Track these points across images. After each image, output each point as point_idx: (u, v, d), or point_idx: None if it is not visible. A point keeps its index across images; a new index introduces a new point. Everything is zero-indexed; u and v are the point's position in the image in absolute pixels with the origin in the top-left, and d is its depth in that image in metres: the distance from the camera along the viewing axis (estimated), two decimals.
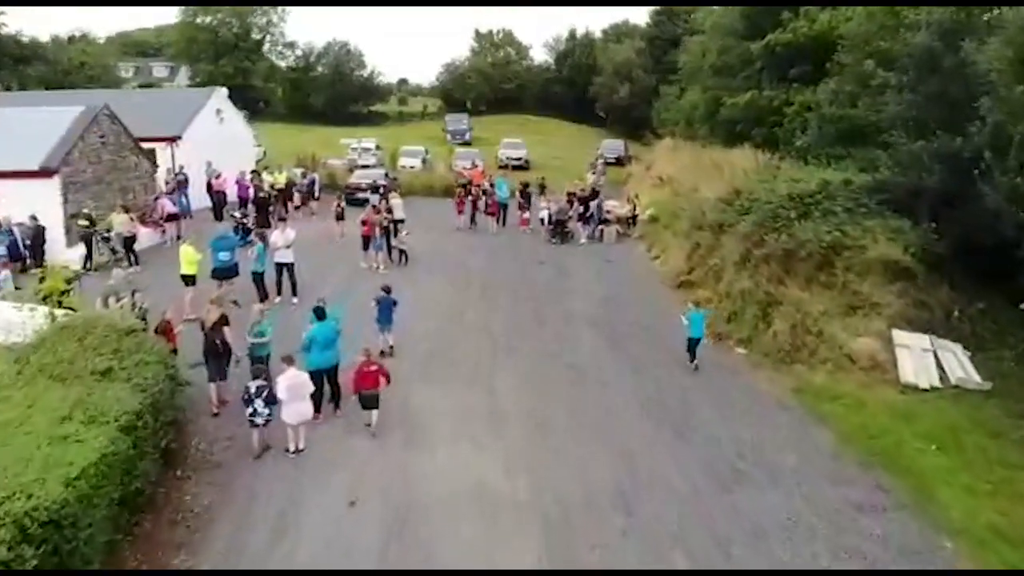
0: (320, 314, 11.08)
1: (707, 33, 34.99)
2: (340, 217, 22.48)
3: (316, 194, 27.72)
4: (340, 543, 8.21)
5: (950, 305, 14.21)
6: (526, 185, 27.15)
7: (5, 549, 5.94)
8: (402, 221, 21.56)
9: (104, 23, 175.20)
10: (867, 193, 15.83)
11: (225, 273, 15.58)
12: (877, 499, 9.31)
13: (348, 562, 7.92)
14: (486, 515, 8.81)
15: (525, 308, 16.77)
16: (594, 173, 33.83)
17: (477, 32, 79.77)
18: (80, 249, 18.43)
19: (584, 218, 24.37)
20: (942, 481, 9.84)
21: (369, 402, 10.71)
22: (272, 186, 25.71)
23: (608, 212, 25.12)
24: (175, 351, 11.24)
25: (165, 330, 11.32)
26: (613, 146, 47.12)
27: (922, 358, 12.86)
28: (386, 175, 31.01)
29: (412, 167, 37.76)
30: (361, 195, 27.29)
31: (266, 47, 75.04)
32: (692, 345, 13.50)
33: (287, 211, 25.48)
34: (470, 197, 25.90)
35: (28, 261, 17.36)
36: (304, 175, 28.75)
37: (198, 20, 70.51)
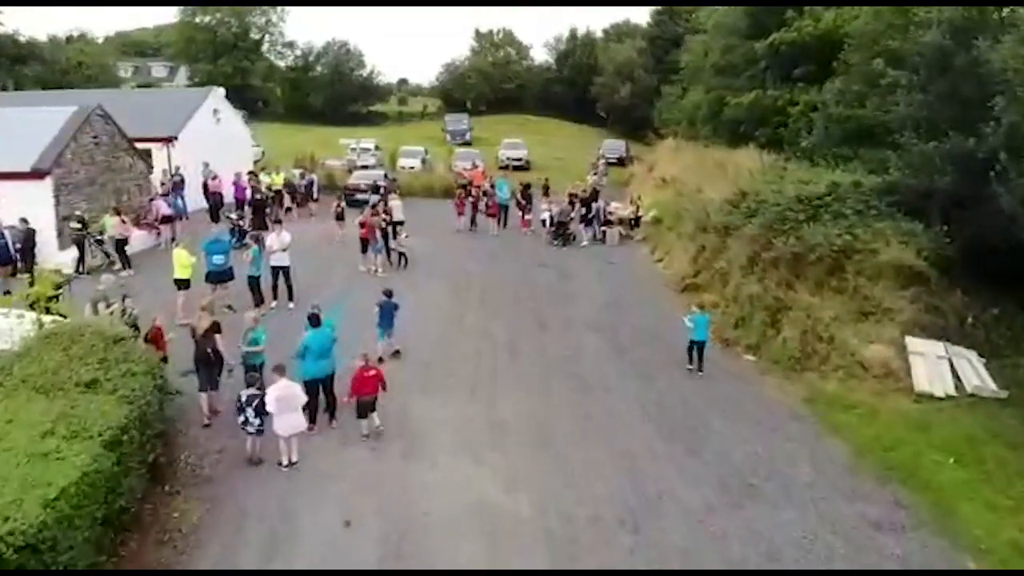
0: (315, 321, 10.70)
1: (710, 32, 34.66)
2: (340, 218, 22.13)
3: (315, 195, 27.37)
4: (334, 566, 7.82)
5: (963, 311, 13.81)
6: (527, 186, 26.79)
7: None
8: (401, 223, 21.19)
9: (103, 23, 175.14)
10: (877, 195, 15.46)
11: (219, 277, 15.23)
12: (896, 516, 8.92)
13: None
14: (488, 533, 8.43)
15: (526, 312, 16.39)
16: (595, 174, 33.48)
17: (477, 32, 79.47)
18: (73, 252, 18.07)
19: (586, 220, 24.00)
20: (962, 496, 9.45)
21: (366, 409, 10.36)
22: (269, 187, 25.33)
23: (611, 214, 24.73)
24: (165, 359, 10.87)
25: (155, 337, 10.94)
26: (614, 146, 46.69)
27: (937, 366, 12.47)
28: (385, 176, 30.61)
29: (412, 168, 37.40)
30: (360, 196, 26.89)
31: (265, 47, 74.72)
32: (695, 348, 13.20)
33: (285, 213, 25.17)
34: (470, 198, 25.51)
35: (19, 265, 16.98)
36: (302, 176, 28.39)
37: (196, 20, 70.13)
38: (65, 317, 11.33)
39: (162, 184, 23.43)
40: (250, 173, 25.43)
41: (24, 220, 17.08)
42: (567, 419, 11.34)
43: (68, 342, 9.61)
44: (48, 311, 11.57)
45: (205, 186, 24.73)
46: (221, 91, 30.69)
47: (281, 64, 76.16)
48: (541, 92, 74.89)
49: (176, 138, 26.06)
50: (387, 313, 12.96)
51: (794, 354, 13.16)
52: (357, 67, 76.40)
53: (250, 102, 64.25)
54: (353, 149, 40.35)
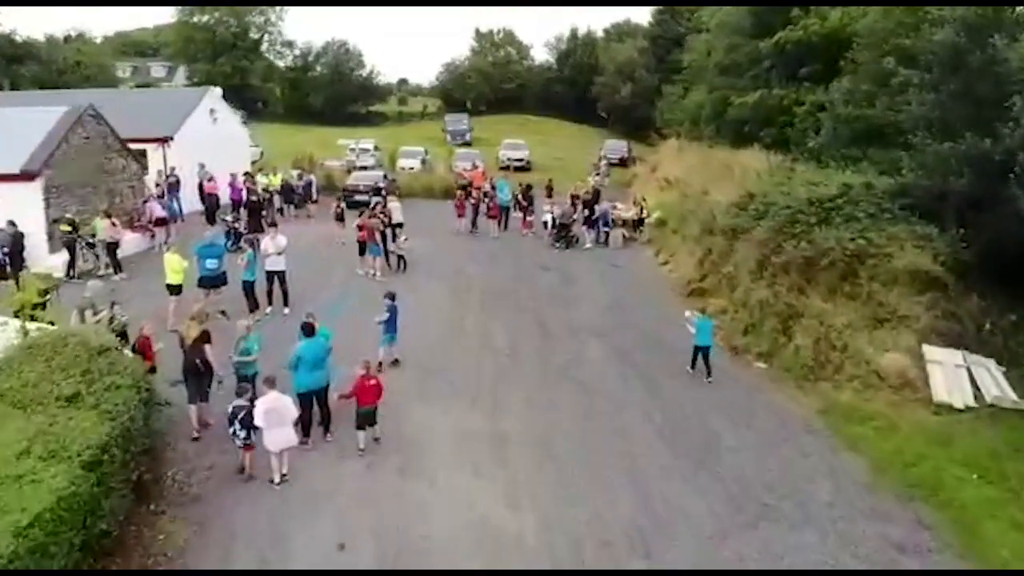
0: (308, 330, 10.24)
1: (713, 31, 34.21)
2: (340, 219, 21.68)
3: (314, 196, 26.92)
4: None
5: (980, 317, 13.35)
6: (529, 187, 26.35)
7: None
8: (400, 225, 20.74)
9: (103, 23, 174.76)
10: (889, 197, 15.00)
11: (213, 282, 14.78)
12: (919, 538, 8.47)
13: None
14: (490, 557, 7.97)
15: (528, 318, 15.94)
16: (597, 174, 33.04)
17: (477, 31, 79.01)
18: (64, 255, 17.63)
19: (589, 222, 23.55)
20: (987, 515, 9.00)
21: (367, 419, 9.94)
22: (266, 189, 24.88)
23: (615, 216, 24.28)
24: (153, 370, 10.42)
25: (142, 347, 10.49)
26: (616, 147, 46.21)
27: (955, 375, 12.01)
28: (385, 177, 30.15)
29: (411, 168, 36.94)
30: (359, 197, 26.43)
31: (264, 46, 74.26)
32: (701, 354, 12.82)
33: (282, 215, 24.74)
34: (471, 200, 25.06)
35: (7, 269, 16.52)
36: (300, 177, 27.94)
37: (195, 19, 69.65)
38: (53, 324, 10.91)
39: (157, 185, 22.97)
40: (246, 174, 24.96)
41: (12, 223, 16.63)
42: (571, 431, 10.89)
43: (51, 353, 9.13)
44: (34, 318, 11.15)
45: (201, 187, 24.27)
46: (218, 91, 30.22)
47: (280, 64, 75.74)
48: (542, 92, 74.41)
49: (172, 138, 25.60)
50: (392, 317, 12.55)
51: (807, 363, 12.68)
52: (357, 67, 76.00)
53: (249, 102, 63.79)
54: (352, 149, 39.88)
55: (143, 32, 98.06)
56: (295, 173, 28.85)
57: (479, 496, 9.08)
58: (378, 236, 18.67)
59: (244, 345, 10.50)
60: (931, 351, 12.36)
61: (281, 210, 25.18)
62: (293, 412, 9.23)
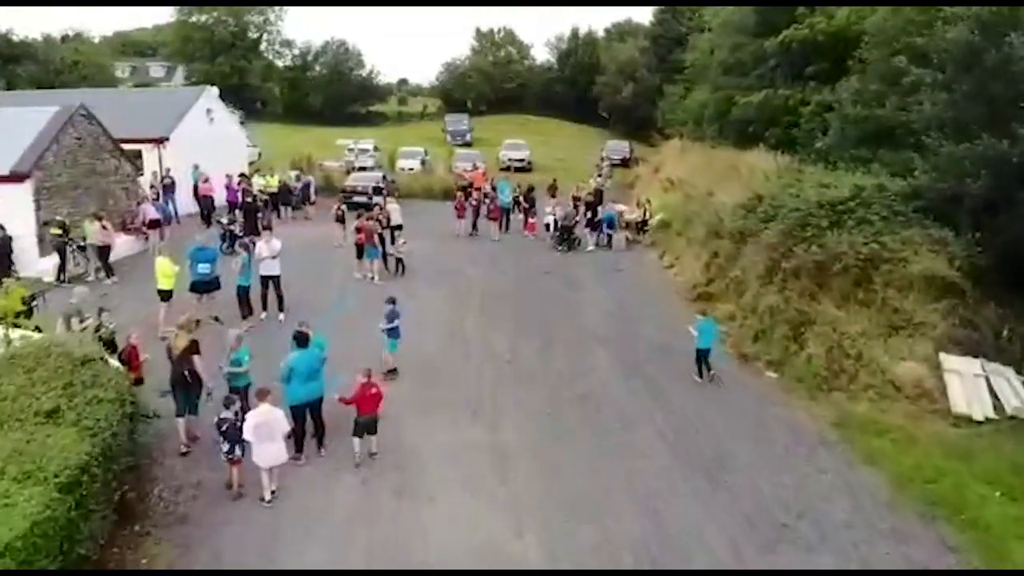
0: (301, 340, 9.80)
1: (716, 30, 33.73)
2: (340, 220, 21.28)
3: (312, 198, 26.48)
4: None
5: (998, 324, 12.90)
6: (531, 189, 25.92)
7: None
8: (400, 227, 20.32)
9: (102, 23, 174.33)
10: (903, 200, 14.57)
11: (205, 287, 14.33)
12: (944, 561, 8.04)
13: None
14: None
15: (530, 324, 15.48)
16: (599, 175, 32.62)
17: (478, 31, 78.53)
18: (54, 259, 17.19)
19: (592, 224, 23.11)
20: (1011, 534, 8.55)
21: (367, 428, 9.55)
22: (262, 190, 24.44)
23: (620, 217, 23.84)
24: (140, 381, 10.00)
25: (129, 357, 10.06)
26: (618, 147, 45.72)
27: (974, 385, 11.57)
28: (384, 177, 29.71)
29: (411, 169, 36.53)
30: (358, 198, 25.99)
31: (263, 46, 73.76)
32: (701, 357, 12.52)
33: (279, 217, 24.32)
34: (471, 201, 24.62)
35: None
36: (298, 178, 27.51)
37: (193, 19, 69.20)
38: (40, 331, 10.49)
39: (151, 187, 22.54)
40: (241, 175, 24.52)
41: (0, 226, 16.20)
42: (576, 444, 10.45)
43: (33, 364, 8.70)
44: (17, 326, 10.71)
45: (196, 189, 23.84)
46: (214, 90, 29.74)
47: (279, 64, 75.27)
48: (542, 92, 73.95)
49: (167, 139, 25.14)
50: (395, 322, 12.19)
51: (820, 372, 12.23)
52: (356, 67, 75.59)
53: (248, 102, 63.40)
54: (351, 150, 39.42)
55: (142, 32, 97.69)
56: (293, 174, 28.42)
57: (480, 516, 8.64)
58: (376, 238, 18.25)
59: (235, 355, 10.05)
60: (948, 360, 11.91)
61: (277, 212, 24.73)
62: (284, 426, 8.79)
